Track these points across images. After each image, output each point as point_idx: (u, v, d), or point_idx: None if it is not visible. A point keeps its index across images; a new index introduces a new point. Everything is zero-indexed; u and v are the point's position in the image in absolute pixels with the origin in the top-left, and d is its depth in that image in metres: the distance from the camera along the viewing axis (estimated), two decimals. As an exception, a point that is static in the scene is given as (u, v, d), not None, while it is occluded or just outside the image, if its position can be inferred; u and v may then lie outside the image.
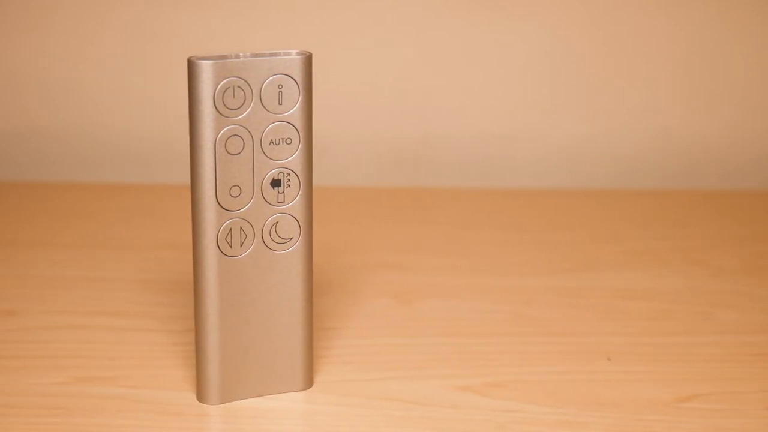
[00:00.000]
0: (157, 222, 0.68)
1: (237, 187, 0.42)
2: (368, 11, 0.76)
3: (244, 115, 0.42)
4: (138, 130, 0.78)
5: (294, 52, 0.42)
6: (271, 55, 0.42)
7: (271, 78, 0.42)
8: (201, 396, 0.45)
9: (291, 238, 0.44)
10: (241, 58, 0.42)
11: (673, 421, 0.44)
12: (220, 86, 0.41)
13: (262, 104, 0.42)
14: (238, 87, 0.41)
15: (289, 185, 0.43)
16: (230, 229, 0.43)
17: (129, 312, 0.54)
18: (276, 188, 0.43)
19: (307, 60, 0.42)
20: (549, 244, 0.65)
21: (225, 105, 0.41)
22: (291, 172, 0.43)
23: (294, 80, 0.42)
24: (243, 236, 0.43)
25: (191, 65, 0.41)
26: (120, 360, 0.49)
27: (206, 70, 0.41)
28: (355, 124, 0.77)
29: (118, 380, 0.47)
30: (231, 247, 0.43)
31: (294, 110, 0.43)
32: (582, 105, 0.78)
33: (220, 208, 0.42)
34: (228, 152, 0.42)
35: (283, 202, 0.43)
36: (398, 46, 0.77)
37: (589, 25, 0.76)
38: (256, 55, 0.42)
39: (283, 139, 0.43)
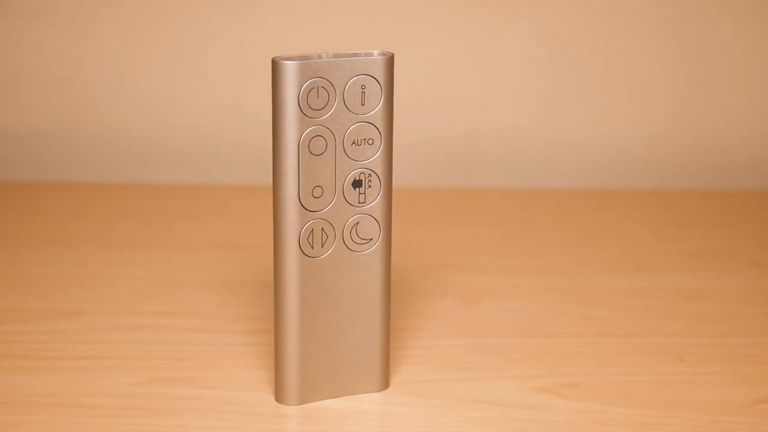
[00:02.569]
0: (202, 222, 0.68)
1: (319, 188, 0.42)
2: (407, 11, 0.76)
3: (327, 115, 0.42)
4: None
5: (376, 52, 0.42)
6: (352, 55, 0.42)
7: (354, 78, 0.42)
8: (280, 397, 0.45)
9: (371, 239, 0.44)
10: (323, 59, 0.41)
11: (753, 423, 0.44)
12: (304, 87, 0.41)
13: (345, 105, 0.42)
14: (322, 87, 0.41)
15: (370, 186, 0.43)
16: (312, 230, 0.43)
17: (192, 312, 0.54)
18: (357, 189, 0.43)
19: (390, 61, 0.42)
20: (604, 244, 0.65)
21: (309, 105, 0.41)
22: (372, 173, 0.43)
23: (377, 81, 0.42)
24: (324, 237, 0.43)
25: (276, 65, 0.41)
26: (191, 361, 0.49)
27: (291, 70, 0.41)
28: (404, 124, 0.77)
29: (193, 381, 0.46)
30: (312, 247, 0.43)
31: (376, 111, 0.42)
32: (633, 106, 0.78)
33: (303, 209, 0.42)
34: (311, 153, 0.42)
35: (364, 202, 0.43)
36: (441, 46, 0.77)
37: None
38: (338, 56, 0.42)
39: (365, 139, 0.43)
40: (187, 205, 0.72)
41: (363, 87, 0.42)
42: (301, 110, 0.41)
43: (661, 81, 0.77)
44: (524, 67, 0.77)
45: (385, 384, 0.46)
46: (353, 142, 0.42)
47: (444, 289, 0.57)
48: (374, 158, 0.43)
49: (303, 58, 0.41)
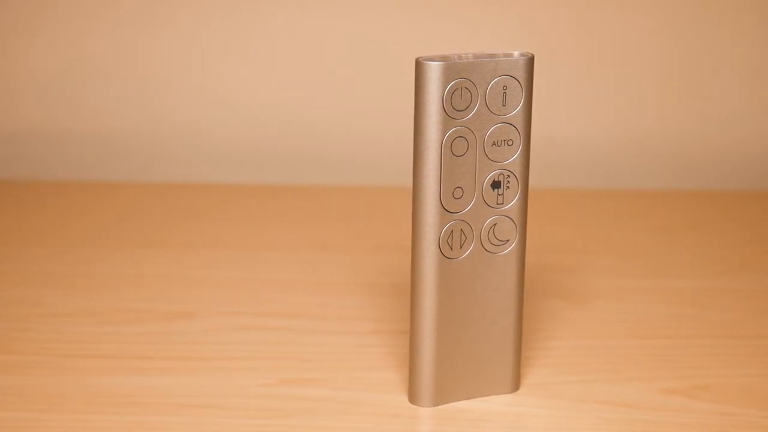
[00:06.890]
0: (300, 222, 0.68)
1: (460, 189, 0.42)
2: (483, 12, 0.76)
3: (469, 116, 0.42)
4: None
5: (516, 53, 0.42)
6: (491, 56, 0.42)
7: (496, 79, 0.42)
8: (414, 398, 0.45)
9: (508, 240, 0.44)
10: (464, 60, 0.41)
11: None
12: (449, 87, 0.41)
13: (487, 106, 0.42)
14: (465, 88, 0.41)
15: (508, 187, 0.43)
16: (451, 231, 0.43)
17: (304, 313, 0.54)
18: (496, 190, 0.43)
19: (530, 62, 0.42)
20: (700, 245, 0.64)
21: (453, 106, 0.41)
22: (510, 174, 0.43)
23: (518, 81, 0.42)
24: (463, 238, 0.43)
25: (421, 66, 0.41)
26: (319, 362, 0.48)
27: (436, 71, 0.41)
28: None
29: (325, 382, 0.46)
30: (452, 249, 0.43)
31: (516, 111, 0.42)
32: (718, 108, 0.77)
33: (443, 210, 0.42)
34: (453, 154, 0.42)
35: (502, 204, 0.43)
36: (516, 46, 0.77)
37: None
38: (478, 56, 0.42)
39: (504, 140, 0.43)
40: (273, 206, 0.72)
41: (504, 88, 0.42)
42: (445, 111, 0.41)
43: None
44: (607, 67, 0.77)
45: (517, 385, 0.46)
46: (493, 143, 0.42)
47: (551, 289, 0.57)
48: (513, 159, 0.43)
49: (444, 58, 0.41)
